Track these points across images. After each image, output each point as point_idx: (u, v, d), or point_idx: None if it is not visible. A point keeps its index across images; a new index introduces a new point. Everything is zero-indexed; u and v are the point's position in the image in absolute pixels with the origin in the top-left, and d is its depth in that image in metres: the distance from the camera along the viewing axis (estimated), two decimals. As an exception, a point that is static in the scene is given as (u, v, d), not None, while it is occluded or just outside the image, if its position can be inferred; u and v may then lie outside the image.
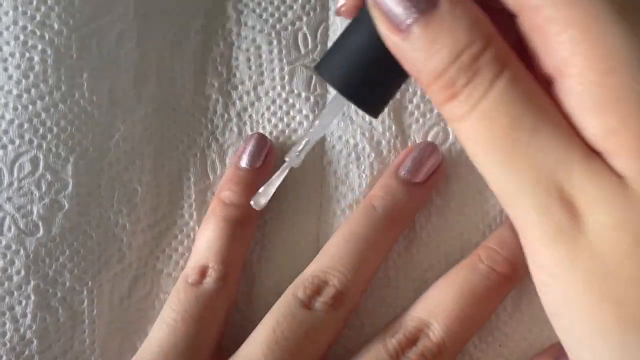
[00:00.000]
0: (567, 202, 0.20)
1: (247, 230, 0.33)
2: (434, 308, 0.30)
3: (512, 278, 0.31)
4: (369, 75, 0.23)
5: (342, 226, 0.32)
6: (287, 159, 0.27)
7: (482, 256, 0.31)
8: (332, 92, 0.35)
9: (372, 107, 0.25)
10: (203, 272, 0.32)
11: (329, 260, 0.31)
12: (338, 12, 0.24)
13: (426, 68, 0.21)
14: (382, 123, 0.34)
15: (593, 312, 0.20)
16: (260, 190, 0.28)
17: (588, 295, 0.20)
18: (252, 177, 0.33)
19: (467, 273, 0.31)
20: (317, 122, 0.26)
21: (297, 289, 0.31)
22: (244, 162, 0.33)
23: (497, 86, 0.20)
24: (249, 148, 0.34)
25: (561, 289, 0.21)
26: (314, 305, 0.30)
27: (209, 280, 0.32)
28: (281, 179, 0.28)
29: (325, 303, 0.30)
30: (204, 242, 0.33)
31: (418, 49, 0.21)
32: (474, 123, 0.21)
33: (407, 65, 0.22)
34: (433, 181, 0.33)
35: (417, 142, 0.34)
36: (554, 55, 0.20)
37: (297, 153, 0.27)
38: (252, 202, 0.28)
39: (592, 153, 0.20)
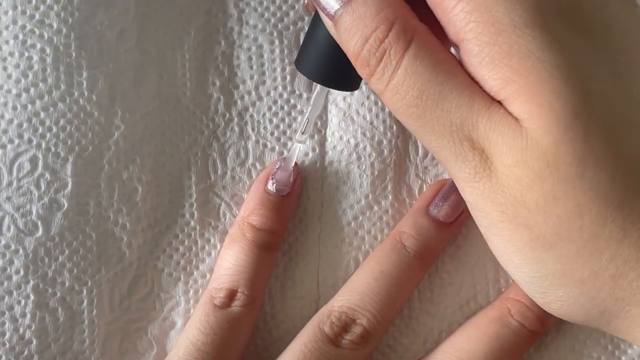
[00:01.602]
0: (478, 149, 0.24)
1: (273, 256, 0.34)
2: (464, 358, 0.31)
3: (539, 333, 0.31)
4: (335, 60, 0.27)
5: (371, 261, 0.33)
6: (295, 140, 0.33)
7: (512, 311, 0.31)
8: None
9: (348, 84, 0.29)
10: (232, 296, 0.32)
11: (359, 298, 0.31)
12: (305, 9, 0.28)
13: (348, 50, 0.25)
14: (384, 123, 0.34)
15: (510, 235, 0.24)
16: (279, 169, 0.33)
17: (504, 223, 0.24)
18: (282, 203, 0.33)
19: (498, 328, 0.31)
20: (310, 104, 0.31)
21: (323, 322, 0.31)
22: (275, 189, 0.33)
23: (403, 63, 0.24)
24: (281, 175, 0.34)
25: (485, 218, 0.25)
26: (341, 343, 0.31)
27: (238, 304, 0.32)
28: (295, 158, 0.33)
29: (352, 342, 0.31)
30: (233, 264, 0.33)
31: (342, 33, 0.25)
32: (390, 97, 0.24)
33: (341, 47, 0.25)
34: (462, 221, 0.33)
35: (446, 176, 0.34)
36: (453, 24, 0.24)
37: (302, 132, 0.32)
38: (275, 179, 0.33)
39: (494, 103, 0.23)
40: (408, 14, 0.24)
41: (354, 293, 0.31)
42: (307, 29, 0.29)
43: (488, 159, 0.24)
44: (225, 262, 0.33)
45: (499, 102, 0.24)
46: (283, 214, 0.33)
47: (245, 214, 0.33)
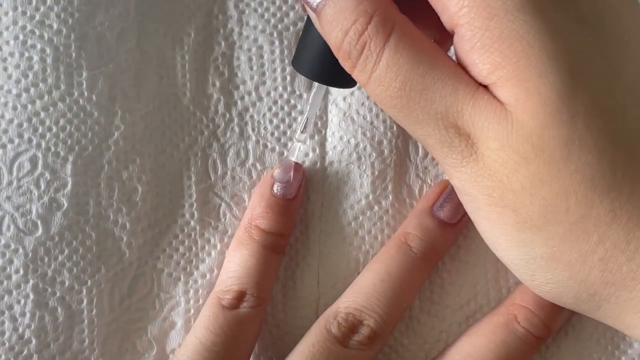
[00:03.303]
0: (464, 135, 0.24)
1: (280, 257, 0.34)
2: None
3: (545, 338, 0.31)
4: (330, 57, 0.26)
5: (376, 262, 0.33)
6: (295, 139, 0.33)
7: (519, 317, 0.31)
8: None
9: (345, 82, 0.29)
10: (240, 297, 0.32)
11: (365, 299, 0.31)
12: (303, 8, 0.28)
13: (330, 43, 0.25)
14: (384, 123, 0.34)
15: (497, 218, 0.25)
16: (279, 166, 0.33)
17: (491, 206, 0.25)
18: (289, 206, 0.33)
19: (505, 336, 0.31)
20: (309, 103, 0.31)
21: (329, 323, 0.31)
22: (281, 192, 0.33)
23: (384, 56, 0.24)
24: (289, 178, 0.33)
25: (473, 203, 0.25)
26: (349, 343, 0.31)
27: (246, 305, 0.32)
28: (293, 159, 0.33)
29: (360, 342, 0.31)
30: (241, 266, 0.33)
31: (324, 26, 0.25)
32: (374, 89, 0.25)
33: (325, 40, 0.26)
34: (463, 223, 0.33)
35: (445, 177, 0.34)
36: (447, 10, 0.24)
37: (301, 131, 0.32)
38: (274, 175, 0.33)
39: (480, 88, 0.24)
40: (388, 5, 0.25)
41: (360, 294, 0.31)
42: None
43: (474, 144, 0.24)
44: (233, 264, 0.33)
45: (484, 87, 0.24)
46: (290, 217, 0.33)
47: (252, 216, 0.33)
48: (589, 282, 0.24)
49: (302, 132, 0.32)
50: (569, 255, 0.24)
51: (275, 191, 0.33)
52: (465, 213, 0.32)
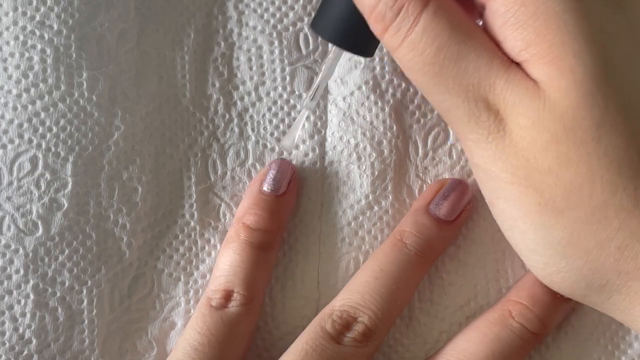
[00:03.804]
0: (493, 109, 0.24)
1: (270, 255, 0.33)
2: None
3: (541, 335, 0.31)
4: (351, 20, 0.26)
5: (371, 260, 0.32)
6: (304, 105, 0.32)
7: (513, 313, 0.31)
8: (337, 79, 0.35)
9: (363, 48, 0.28)
10: (228, 297, 0.32)
11: (359, 297, 0.31)
12: None
13: (363, 4, 0.25)
14: (383, 123, 0.34)
15: (519, 198, 0.24)
16: (285, 136, 0.32)
17: (514, 185, 0.24)
18: (277, 203, 0.33)
19: (500, 330, 0.31)
20: (323, 68, 0.30)
21: (324, 321, 0.31)
22: (269, 188, 0.33)
23: (422, 20, 0.24)
24: (275, 174, 0.33)
25: (493, 181, 0.25)
26: (343, 341, 0.30)
27: (234, 304, 0.32)
28: (302, 122, 0.32)
29: (354, 339, 0.30)
30: (228, 265, 0.32)
31: None
32: (406, 53, 0.24)
33: (356, 3, 0.25)
34: (462, 220, 0.33)
35: (446, 176, 0.34)
36: None
37: (311, 97, 0.31)
38: (281, 145, 0.33)
39: (512, 64, 0.24)
40: None
41: (355, 292, 0.31)
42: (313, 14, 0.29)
43: (503, 119, 0.24)
44: (221, 263, 0.33)
45: (517, 64, 0.24)
46: (278, 214, 0.33)
47: (239, 214, 0.33)
48: (602, 270, 0.24)
49: (311, 99, 0.31)
50: (587, 241, 0.24)
51: (263, 188, 0.33)
52: (463, 211, 0.32)
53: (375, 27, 0.25)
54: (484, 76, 0.24)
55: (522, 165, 0.24)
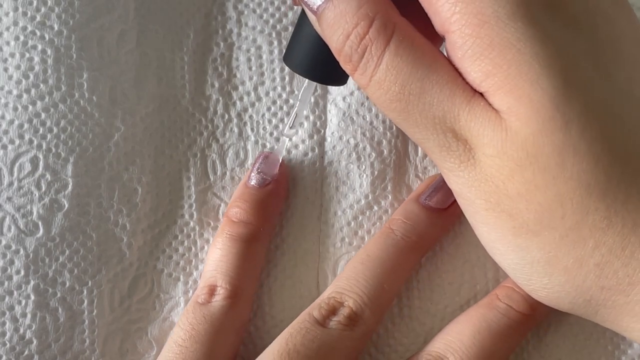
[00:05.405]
0: (461, 139, 0.24)
1: (256, 247, 0.33)
2: (451, 343, 0.31)
3: (530, 317, 0.31)
4: (322, 54, 0.27)
5: (361, 249, 0.33)
6: (283, 134, 0.33)
7: (500, 295, 0.31)
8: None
9: (336, 79, 0.29)
10: (211, 291, 0.32)
11: (345, 282, 0.31)
12: (294, 2, 0.28)
13: (331, 45, 0.25)
14: (383, 123, 0.34)
15: (495, 223, 0.25)
16: (266, 163, 0.33)
17: (488, 211, 0.25)
18: (261, 195, 0.33)
19: (485, 311, 0.31)
20: (298, 99, 0.31)
21: (313, 309, 0.31)
22: (252, 181, 0.33)
23: (384, 60, 0.24)
24: (259, 167, 0.34)
25: (470, 207, 0.25)
26: (328, 324, 0.30)
27: (218, 298, 0.32)
28: (283, 152, 0.34)
29: (339, 322, 0.30)
30: (212, 260, 0.33)
31: (325, 29, 0.25)
32: (374, 91, 0.25)
33: (325, 42, 0.26)
34: (453, 211, 0.33)
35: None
36: (439, 15, 0.24)
37: (290, 126, 0.32)
38: (250, 180, 0.33)
39: (476, 95, 0.24)
40: (389, 9, 0.25)
41: (342, 279, 0.31)
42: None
43: (471, 149, 0.24)
44: (208, 260, 0.33)
45: (481, 94, 0.24)
46: (262, 205, 0.33)
47: (226, 210, 0.34)
48: (585, 287, 0.24)
49: (290, 127, 0.32)
50: (565, 260, 0.24)
51: (249, 182, 0.33)
52: (455, 200, 0.33)
53: (345, 67, 0.25)
54: (448, 109, 0.24)
55: (493, 191, 0.24)
